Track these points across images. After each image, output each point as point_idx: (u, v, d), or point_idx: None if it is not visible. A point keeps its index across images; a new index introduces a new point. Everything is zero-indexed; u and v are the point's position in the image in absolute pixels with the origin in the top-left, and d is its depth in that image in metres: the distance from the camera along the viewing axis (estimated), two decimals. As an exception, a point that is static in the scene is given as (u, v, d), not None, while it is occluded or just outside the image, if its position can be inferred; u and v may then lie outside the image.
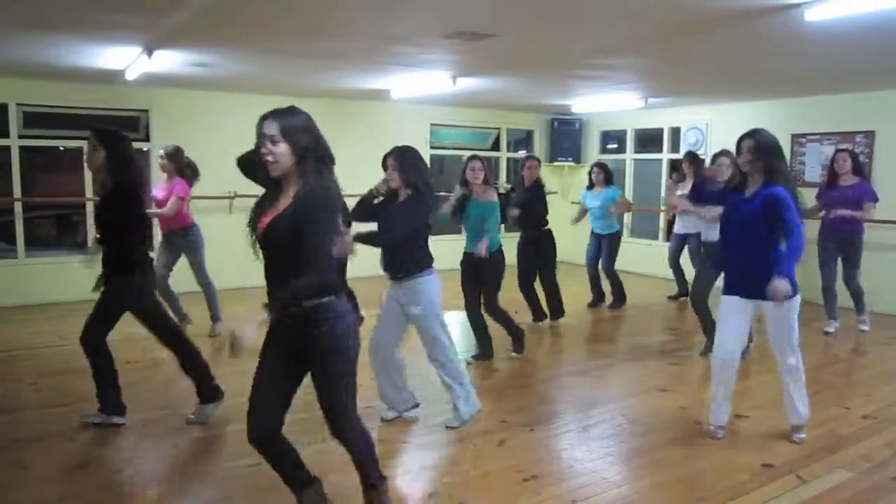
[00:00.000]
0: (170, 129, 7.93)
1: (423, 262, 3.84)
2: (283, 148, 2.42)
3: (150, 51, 5.37)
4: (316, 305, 2.48)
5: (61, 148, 8.12)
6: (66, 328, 4.24)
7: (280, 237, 2.43)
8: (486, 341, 5.42)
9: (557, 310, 6.64)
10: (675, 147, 9.44)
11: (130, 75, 6.36)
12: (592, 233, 7.45)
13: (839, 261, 6.36)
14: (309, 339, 2.51)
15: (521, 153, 11.19)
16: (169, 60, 5.80)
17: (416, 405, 4.19)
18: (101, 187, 3.90)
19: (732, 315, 3.75)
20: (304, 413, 3.86)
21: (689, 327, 5.88)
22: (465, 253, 5.30)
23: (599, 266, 7.46)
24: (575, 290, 7.72)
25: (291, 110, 2.49)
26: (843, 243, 6.25)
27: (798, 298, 3.64)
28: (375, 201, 3.94)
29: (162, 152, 5.85)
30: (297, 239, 2.40)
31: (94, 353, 3.83)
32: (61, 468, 3.42)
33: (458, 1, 4.01)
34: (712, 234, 5.04)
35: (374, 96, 8.38)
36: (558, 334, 6.46)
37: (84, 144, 3.89)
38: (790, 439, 3.82)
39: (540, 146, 11.01)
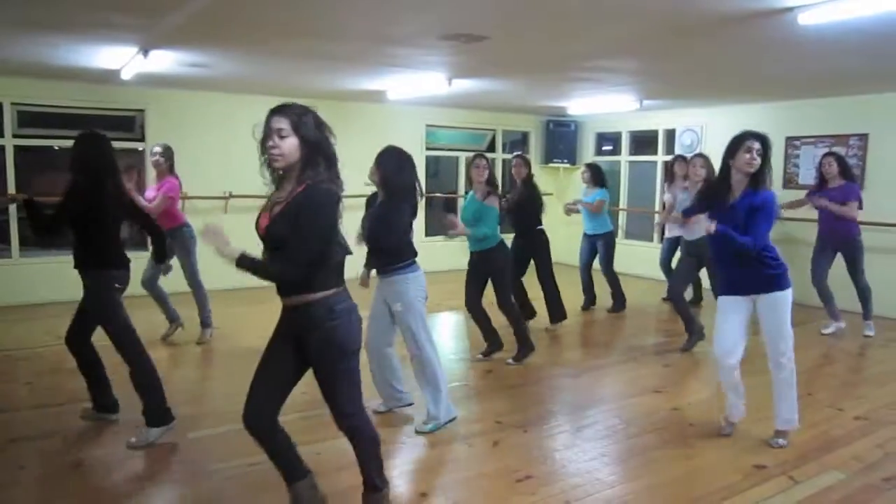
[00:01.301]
0: (165, 129, 7.91)
1: (403, 256, 3.92)
2: (290, 142, 2.44)
3: (146, 51, 5.37)
4: (316, 300, 2.52)
5: (56, 147, 8.09)
6: (60, 328, 4.22)
7: (280, 232, 2.44)
8: (493, 332, 5.45)
9: (558, 312, 6.59)
10: (670, 149, 9.47)
11: (126, 75, 6.35)
12: (585, 235, 7.46)
13: (833, 261, 6.41)
14: (308, 332, 2.56)
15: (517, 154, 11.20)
16: (165, 60, 5.80)
17: (410, 404, 4.21)
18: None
19: (728, 315, 3.77)
20: (304, 412, 3.90)
21: (684, 329, 5.90)
22: (470, 252, 5.36)
23: (599, 268, 7.42)
24: (570, 292, 7.74)
25: (300, 107, 2.52)
26: (838, 243, 6.30)
27: (791, 293, 3.68)
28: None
29: (157, 150, 5.78)
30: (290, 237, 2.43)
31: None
32: (56, 468, 3.42)
33: (454, 3, 4.02)
34: (691, 233, 5.45)
35: (370, 97, 8.39)
36: (554, 336, 6.47)
37: None
38: (768, 443, 3.79)
39: (535, 148, 11.03)
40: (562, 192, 10.65)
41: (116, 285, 3.79)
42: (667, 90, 7.69)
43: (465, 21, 4.42)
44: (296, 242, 2.41)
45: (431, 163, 10.16)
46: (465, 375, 5.20)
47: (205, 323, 5.91)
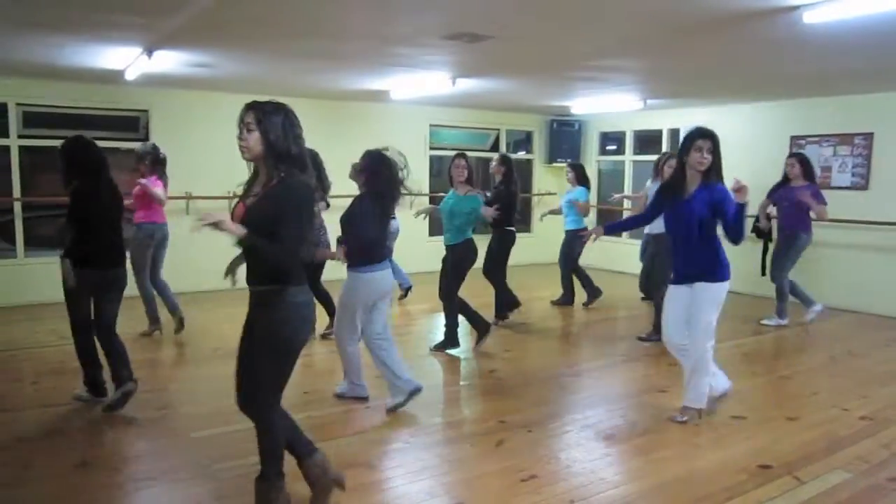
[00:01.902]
0: (169, 130, 7.94)
1: (363, 256, 4.15)
2: (254, 136, 2.61)
3: (150, 51, 5.38)
4: (269, 290, 2.68)
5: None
6: (65, 327, 4.25)
7: (255, 221, 2.58)
8: (476, 318, 5.72)
9: (503, 308, 6.80)
10: (674, 148, 9.43)
11: (130, 75, 6.37)
12: (565, 231, 7.61)
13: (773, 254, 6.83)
14: (257, 317, 2.75)
15: (521, 154, 11.22)
16: (169, 61, 5.81)
17: (363, 397, 4.40)
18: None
19: (674, 302, 4.07)
20: (308, 412, 3.90)
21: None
22: (446, 246, 5.68)
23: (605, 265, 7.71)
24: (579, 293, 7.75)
25: (273, 105, 2.66)
26: (786, 237, 6.66)
27: (727, 285, 3.97)
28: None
29: (141, 151, 5.85)
30: (270, 226, 2.57)
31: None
32: (62, 467, 3.43)
33: (457, 3, 4.02)
34: (656, 227, 5.47)
35: (374, 97, 8.39)
36: (558, 334, 6.46)
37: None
38: (671, 418, 4.05)
39: (539, 147, 11.02)
40: (564, 192, 10.62)
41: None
42: (671, 89, 7.68)
43: (469, 20, 4.42)
44: (284, 231, 2.57)
45: (435, 162, 10.16)
46: (468, 375, 5.20)
47: (154, 319, 5.99)
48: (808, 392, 4.89)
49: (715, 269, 3.93)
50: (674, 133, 9.56)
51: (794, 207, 6.52)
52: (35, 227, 7.66)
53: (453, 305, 5.65)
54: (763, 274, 7.01)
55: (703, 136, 3.78)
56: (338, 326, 4.31)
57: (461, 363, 5.45)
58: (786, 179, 6.72)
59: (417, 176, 9.35)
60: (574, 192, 7.44)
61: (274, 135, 2.60)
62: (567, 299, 7.67)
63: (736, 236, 3.83)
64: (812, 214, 6.52)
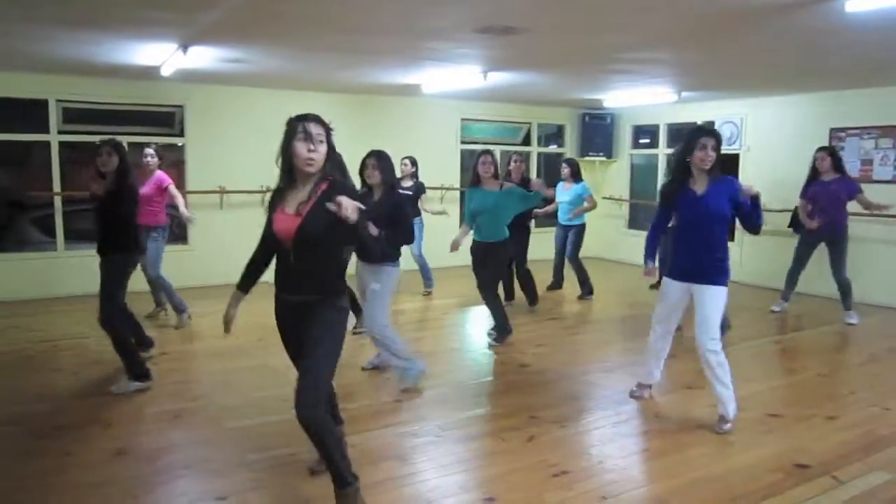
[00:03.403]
0: (204, 125, 8.06)
1: (395, 254, 4.48)
2: (323, 149, 2.66)
3: (185, 47, 5.46)
4: (320, 300, 2.74)
5: (99, 143, 8.30)
6: (102, 319, 4.35)
7: (316, 230, 2.60)
8: (504, 318, 5.76)
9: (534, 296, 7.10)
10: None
11: (166, 71, 6.46)
12: (559, 224, 7.77)
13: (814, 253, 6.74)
14: (311, 324, 2.75)
15: (553, 148, 11.14)
16: (204, 57, 5.89)
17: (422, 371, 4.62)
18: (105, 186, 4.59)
19: (670, 297, 4.08)
20: (340, 405, 3.93)
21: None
22: (475, 241, 5.69)
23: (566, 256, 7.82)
24: (601, 286, 7.68)
25: (321, 118, 2.73)
26: (827, 236, 6.51)
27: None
28: None
29: (150, 151, 6.11)
30: (331, 231, 2.57)
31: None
32: (101, 455, 3.51)
33: (490, -5, 4.00)
34: None
35: (406, 91, 8.40)
36: (586, 331, 6.41)
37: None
38: (714, 430, 3.89)
39: (571, 141, 10.93)
40: (598, 186, 10.54)
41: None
42: (706, 82, 7.54)
43: (501, 13, 4.39)
44: (366, 235, 2.67)
45: (466, 157, 10.14)
46: (499, 369, 5.18)
47: (179, 308, 6.24)
48: (846, 390, 4.78)
49: (722, 273, 3.87)
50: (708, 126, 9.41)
51: (833, 202, 6.40)
52: (74, 220, 7.83)
53: (494, 297, 5.71)
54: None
55: (708, 134, 3.79)
56: (380, 317, 4.44)
57: (491, 358, 5.44)
58: (815, 174, 6.61)
59: (449, 170, 9.45)
60: (576, 189, 7.54)
61: (333, 147, 2.74)
62: (587, 291, 7.75)
63: (757, 222, 3.85)
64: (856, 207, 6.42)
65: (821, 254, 6.71)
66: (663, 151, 10.15)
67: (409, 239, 4.47)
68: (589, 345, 6.06)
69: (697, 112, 9.43)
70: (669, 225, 4.24)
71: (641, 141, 10.72)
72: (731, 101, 8.98)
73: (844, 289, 6.53)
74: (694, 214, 3.85)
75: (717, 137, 3.81)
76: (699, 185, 3.84)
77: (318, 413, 2.63)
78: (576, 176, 7.58)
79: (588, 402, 4.51)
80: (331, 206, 2.42)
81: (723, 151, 3.87)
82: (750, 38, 5.01)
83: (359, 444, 3.55)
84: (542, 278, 7.44)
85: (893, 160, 7.32)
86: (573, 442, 3.79)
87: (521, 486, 3.23)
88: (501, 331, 5.76)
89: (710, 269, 3.85)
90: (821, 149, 6.72)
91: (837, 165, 6.51)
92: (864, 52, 5.51)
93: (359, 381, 4.67)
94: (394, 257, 4.46)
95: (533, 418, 4.09)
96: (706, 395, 4.29)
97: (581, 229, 7.65)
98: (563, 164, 7.80)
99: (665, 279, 4.14)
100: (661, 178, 10.06)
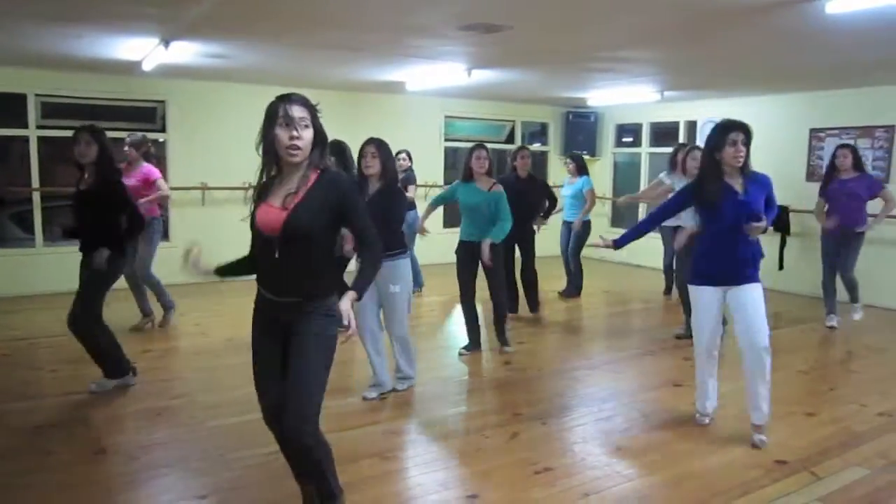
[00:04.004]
0: (185, 120, 7.99)
1: (401, 242, 4.22)
2: (309, 134, 2.36)
3: (167, 42, 5.40)
4: (314, 302, 2.46)
5: (76, 130, 8.22)
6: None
7: (306, 223, 2.35)
8: (477, 332, 5.46)
9: (535, 303, 6.86)
10: (691, 141, 9.35)
11: (147, 66, 6.39)
12: (564, 221, 7.69)
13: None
14: (301, 328, 2.47)
15: (536, 146, 11.17)
16: (186, 52, 5.83)
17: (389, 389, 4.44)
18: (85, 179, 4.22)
19: (712, 308, 3.74)
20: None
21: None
22: (461, 242, 5.31)
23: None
24: (584, 284, 7.72)
25: (306, 98, 2.41)
26: (845, 237, 6.27)
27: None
28: None
29: (127, 140, 5.81)
30: (322, 225, 2.39)
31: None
32: (81, 454, 3.47)
33: (474, -7, 4.00)
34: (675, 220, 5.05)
35: (390, 88, 8.38)
36: (571, 328, 6.44)
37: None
38: (752, 443, 3.68)
39: (555, 139, 10.97)
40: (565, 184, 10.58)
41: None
42: (689, 81, 7.60)
43: (485, 11, 4.39)
44: (362, 223, 2.49)
45: (450, 154, 10.14)
46: (483, 367, 5.19)
47: (167, 306, 6.03)
48: (825, 388, 4.84)
49: (758, 268, 3.70)
50: (691, 125, 9.48)
51: (852, 201, 6.16)
52: (53, 216, 7.73)
53: (503, 307, 5.48)
54: (780, 268, 6.93)
55: (738, 129, 3.51)
56: (405, 320, 4.32)
57: (474, 356, 5.44)
58: (833, 171, 6.33)
59: (432, 168, 9.44)
60: (578, 183, 7.48)
61: (321, 130, 2.42)
62: (573, 290, 7.72)
63: (770, 224, 3.71)
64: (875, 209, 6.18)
65: (812, 252, 6.70)
66: (646, 150, 10.22)
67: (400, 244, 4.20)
68: (572, 343, 6.09)
69: (680, 111, 9.51)
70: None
71: (625, 139, 10.78)
72: (713, 101, 9.05)
73: (851, 285, 6.37)
74: (737, 217, 3.54)
75: (746, 131, 3.54)
76: (737, 185, 3.59)
77: (309, 428, 2.41)
78: (581, 170, 7.50)
79: (571, 399, 4.53)
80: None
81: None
82: (731, 38, 5.05)
83: (341, 441, 3.54)
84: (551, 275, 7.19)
85: (872, 160, 7.42)
86: (556, 439, 3.81)
87: (504, 483, 3.24)
88: (472, 345, 5.47)
89: (748, 267, 3.64)
90: (843, 146, 6.38)
91: (858, 163, 6.25)
92: (843, 53, 5.58)
93: (342, 377, 4.66)
94: (403, 246, 4.17)
95: (516, 415, 4.10)
96: (690, 393, 4.33)
97: (584, 226, 7.51)
98: (568, 160, 7.75)
99: (696, 288, 3.76)
100: (644, 177, 10.14)
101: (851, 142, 7.06)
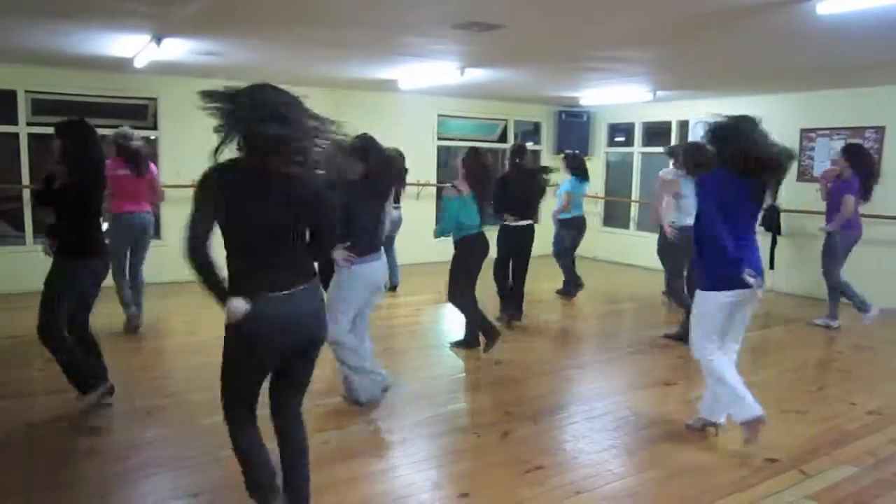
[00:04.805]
0: (177, 118, 7.94)
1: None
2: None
3: (158, 39, 5.38)
4: (311, 285, 2.62)
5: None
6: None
7: (286, 218, 2.52)
8: (475, 329, 5.40)
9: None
10: (683, 140, 9.38)
11: (139, 63, 6.36)
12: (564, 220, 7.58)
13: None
14: (304, 316, 2.66)
15: (529, 145, 11.15)
16: (178, 49, 5.80)
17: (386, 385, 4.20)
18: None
19: (720, 314, 3.59)
20: (316, 400, 3.90)
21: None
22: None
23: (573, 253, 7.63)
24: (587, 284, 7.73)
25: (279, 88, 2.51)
26: (855, 240, 6.31)
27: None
28: None
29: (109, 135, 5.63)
30: (297, 221, 2.54)
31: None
32: (70, 454, 3.46)
33: (467, -9, 4.00)
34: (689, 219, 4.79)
35: (382, 86, 8.36)
36: (563, 327, 6.44)
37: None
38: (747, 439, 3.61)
39: (547, 138, 10.98)
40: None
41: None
42: (681, 81, 7.63)
43: (478, 9, 4.39)
44: (329, 226, 2.72)
45: (442, 153, 10.13)
46: (474, 366, 5.20)
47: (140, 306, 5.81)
48: (815, 386, 4.87)
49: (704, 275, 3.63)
50: (683, 125, 9.51)
51: (831, 203, 6.21)
52: (43, 214, 7.67)
53: (465, 304, 5.34)
54: (772, 268, 6.94)
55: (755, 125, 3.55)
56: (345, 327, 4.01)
57: (467, 355, 5.44)
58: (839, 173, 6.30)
59: (425, 166, 9.43)
60: (566, 184, 7.42)
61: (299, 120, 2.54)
62: (567, 289, 7.65)
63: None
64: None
65: (802, 251, 6.76)
66: (639, 150, 10.24)
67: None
68: (563, 342, 6.10)
69: (672, 111, 9.53)
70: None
71: (617, 139, 10.80)
72: (705, 101, 9.07)
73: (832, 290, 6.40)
74: (763, 214, 3.54)
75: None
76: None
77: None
78: (570, 170, 7.44)
79: (562, 397, 4.54)
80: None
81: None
82: (723, 38, 5.07)
83: (333, 440, 3.54)
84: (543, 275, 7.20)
85: (862, 161, 7.45)
86: (547, 437, 3.82)
87: (495, 482, 3.24)
88: (468, 343, 5.48)
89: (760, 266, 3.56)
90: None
91: (855, 164, 6.16)
92: (835, 54, 5.61)
93: (333, 377, 4.65)
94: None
95: (507, 414, 4.11)
96: (680, 392, 4.36)
97: (568, 223, 7.40)
98: (563, 157, 7.73)
99: (716, 294, 3.54)
100: (636, 176, 10.17)
101: (856, 142, 7.12)
